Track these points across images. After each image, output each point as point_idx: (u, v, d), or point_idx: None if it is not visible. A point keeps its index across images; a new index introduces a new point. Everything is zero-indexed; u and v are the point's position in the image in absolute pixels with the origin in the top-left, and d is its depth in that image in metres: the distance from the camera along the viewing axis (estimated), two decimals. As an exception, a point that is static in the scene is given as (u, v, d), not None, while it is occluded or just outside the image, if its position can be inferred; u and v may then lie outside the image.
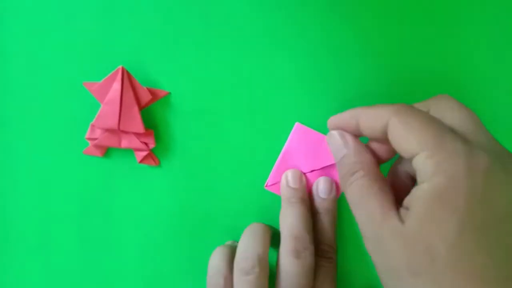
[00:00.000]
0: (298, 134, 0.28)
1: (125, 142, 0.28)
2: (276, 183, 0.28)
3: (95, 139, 0.28)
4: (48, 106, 0.29)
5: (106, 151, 0.29)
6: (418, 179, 0.20)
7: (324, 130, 0.28)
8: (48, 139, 0.29)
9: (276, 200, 0.29)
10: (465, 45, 0.28)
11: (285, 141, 0.28)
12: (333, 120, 0.25)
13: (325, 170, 0.28)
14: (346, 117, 0.24)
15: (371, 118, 0.22)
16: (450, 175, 0.18)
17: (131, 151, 0.29)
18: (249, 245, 0.25)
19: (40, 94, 0.29)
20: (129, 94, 0.27)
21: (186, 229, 0.29)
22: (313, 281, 0.26)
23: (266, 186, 0.29)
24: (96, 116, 0.27)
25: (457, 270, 0.18)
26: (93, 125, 0.28)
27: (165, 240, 0.30)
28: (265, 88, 0.29)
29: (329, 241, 0.27)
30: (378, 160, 0.24)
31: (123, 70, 0.27)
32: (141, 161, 0.29)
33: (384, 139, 0.22)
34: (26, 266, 0.30)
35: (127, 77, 0.27)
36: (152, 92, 0.28)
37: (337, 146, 0.24)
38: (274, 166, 0.28)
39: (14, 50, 0.29)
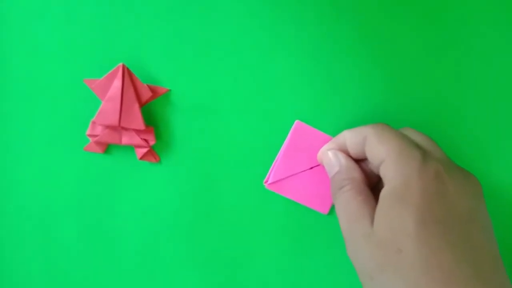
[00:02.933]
0: (297, 132, 0.28)
1: (125, 139, 0.28)
2: (277, 181, 0.28)
3: (96, 135, 0.29)
4: (49, 103, 0.29)
5: (106, 148, 0.29)
6: (384, 183, 0.22)
7: (324, 128, 0.28)
8: (49, 136, 0.29)
9: (275, 196, 0.29)
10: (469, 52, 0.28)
11: (285, 139, 0.28)
12: (326, 147, 0.27)
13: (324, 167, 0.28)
14: (339, 140, 0.26)
15: (354, 135, 0.25)
16: (406, 177, 0.21)
17: (131, 147, 0.29)
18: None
19: (41, 91, 0.29)
20: (129, 91, 0.27)
21: (186, 225, 0.30)
22: None
23: (265, 183, 0.29)
24: (97, 113, 0.27)
25: (422, 264, 0.19)
26: (94, 122, 0.28)
27: (165, 236, 0.30)
28: (265, 85, 0.29)
29: None
30: (369, 181, 0.25)
31: (123, 67, 0.27)
32: (141, 158, 0.29)
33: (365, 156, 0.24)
34: (26, 262, 0.30)
35: (127, 74, 0.27)
36: (152, 89, 0.28)
37: (330, 164, 0.26)
38: (273, 163, 0.28)
39: (15, 47, 0.29)
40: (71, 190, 0.30)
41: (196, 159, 0.29)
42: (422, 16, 0.28)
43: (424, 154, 0.22)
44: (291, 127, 0.28)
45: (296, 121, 0.28)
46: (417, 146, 0.23)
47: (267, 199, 0.29)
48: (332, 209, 0.29)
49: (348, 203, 0.23)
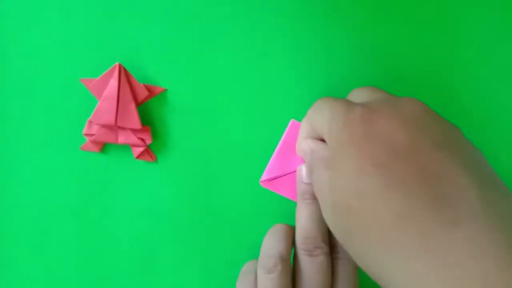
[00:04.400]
0: (293, 131, 0.28)
1: (122, 138, 0.29)
2: (272, 179, 0.29)
3: (93, 135, 0.29)
4: (45, 102, 0.29)
5: (103, 147, 0.30)
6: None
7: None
8: (46, 135, 0.30)
9: (272, 196, 0.29)
10: (454, 41, 0.29)
11: (280, 137, 0.28)
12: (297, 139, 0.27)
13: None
14: (303, 129, 0.26)
15: (306, 121, 0.25)
16: (336, 135, 0.21)
17: (128, 147, 0.29)
18: (271, 244, 0.26)
19: (37, 91, 0.29)
20: (126, 90, 0.27)
21: (183, 224, 0.30)
22: (332, 280, 0.26)
23: (261, 181, 0.29)
24: (93, 112, 0.27)
25: (373, 214, 0.18)
26: (90, 121, 0.28)
27: (162, 235, 0.30)
28: (261, 84, 0.29)
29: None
30: None
31: (120, 66, 0.27)
32: (138, 157, 0.29)
33: None
34: (23, 261, 0.30)
35: (124, 74, 0.27)
36: (148, 88, 0.28)
37: (303, 152, 0.26)
38: (269, 161, 0.29)
39: (11, 47, 0.29)
40: (67, 189, 0.30)
41: (192, 158, 0.29)
42: (414, 12, 0.28)
43: (348, 105, 0.21)
44: (286, 126, 0.28)
45: (292, 120, 0.28)
46: (345, 103, 0.22)
47: (264, 198, 0.29)
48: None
49: (318, 180, 0.23)
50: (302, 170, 0.27)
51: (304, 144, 0.26)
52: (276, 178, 0.28)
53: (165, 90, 0.29)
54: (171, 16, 0.29)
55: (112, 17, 0.29)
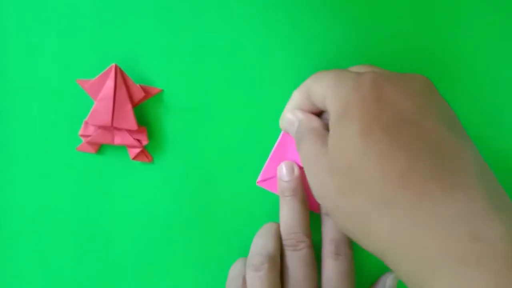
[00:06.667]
0: (289, 131, 0.28)
1: (118, 139, 0.29)
2: (268, 179, 0.29)
3: (89, 136, 0.29)
4: (41, 103, 0.29)
5: (99, 148, 0.30)
6: (330, 114, 0.22)
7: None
8: (42, 136, 0.29)
9: (269, 195, 0.29)
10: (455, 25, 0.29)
11: (277, 138, 0.29)
12: (283, 112, 0.27)
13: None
14: (293, 102, 0.26)
15: (301, 91, 0.25)
16: (343, 97, 0.21)
17: (124, 147, 0.29)
18: (260, 243, 0.27)
19: (34, 91, 0.29)
20: (122, 91, 0.27)
21: (180, 225, 0.30)
22: (331, 275, 0.26)
23: (258, 182, 0.29)
24: (89, 113, 0.27)
25: (375, 173, 0.19)
26: (86, 122, 0.28)
27: (159, 235, 0.30)
28: (258, 85, 0.29)
29: (341, 238, 0.27)
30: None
31: (116, 67, 0.27)
32: (134, 158, 0.29)
33: None
34: (19, 263, 0.30)
35: (120, 75, 0.27)
36: (145, 89, 0.28)
37: (290, 123, 0.26)
38: (266, 162, 0.29)
39: (7, 47, 0.29)
40: (63, 190, 0.30)
41: (189, 159, 0.29)
42: (421, 18, 0.29)
43: (358, 73, 0.22)
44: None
45: (288, 120, 0.28)
46: (352, 72, 0.23)
47: (260, 199, 0.29)
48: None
49: (309, 148, 0.23)
50: (282, 169, 0.28)
51: (290, 115, 0.26)
52: (272, 178, 0.29)
53: (161, 91, 0.29)
54: (167, 17, 0.29)
55: (108, 18, 0.29)
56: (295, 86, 0.29)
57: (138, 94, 0.28)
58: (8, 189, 0.30)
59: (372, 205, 0.19)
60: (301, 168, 0.28)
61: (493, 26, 0.29)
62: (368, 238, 0.20)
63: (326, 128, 0.24)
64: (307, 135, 0.23)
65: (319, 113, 0.26)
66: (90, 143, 0.29)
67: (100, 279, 0.30)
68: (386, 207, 0.18)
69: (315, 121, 0.25)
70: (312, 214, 0.29)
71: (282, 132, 0.28)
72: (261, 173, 0.29)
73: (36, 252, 0.30)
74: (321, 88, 0.23)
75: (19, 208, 0.30)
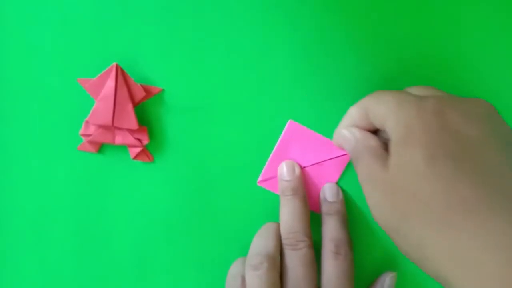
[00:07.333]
0: (291, 131, 0.28)
1: (119, 139, 0.28)
2: (268, 179, 0.29)
3: (89, 135, 0.29)
4: (42, 102, 0.29)
5: (100, 147, 0.30)
6: (391, 137, 0.22)
7: (317, 128, 0.28)
8: (43, 136, 0.29)
9: (270, 195, 0.29)
10: (459, 39, 0.29)
11: (278, 138, 0.29)
12: (338, 128, 0.27)
13: (316, 166, 0.28)
14: (348, 118, 0.26)
15: (358, 109, 0.25)
16: (406, 122, 0.21)
17: (125, 147, 0.29)
18: (259, 243, 0.27)
19: (34, 91, 0.29)
20: (123, 90, 0.27)
21: (180, 224, 0.30)
22: (331, 275, 0.27)
23: (259, 182, 0.29)
24: (90, 112, 0.27)
25: (439, 201, 0.19)
26: (87, 122, 0.28)
27: (159, 235, 0.30)
28: (259, 85, 0.29)
29: (341, 238, 0.27)
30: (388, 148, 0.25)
31: (117, 67, 0.27)
32: (135, 157, 0.29)
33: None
34: (20, 262, 0.30)
35: (121, 74, 0.27)
36: (146, 89, 0.28)
37: (346, 141, 0.26)
38: (267, 162, 0.29)
39: (8, 47, 0.29)
40: (64, 189, 0.30)
41: (189, 158, 0.29)
42: (416, 12, 0.28)
43: (420, 97, 0.22)
44: (284, 127, 0.28)
45: (289, 120, 0.28)
46: (412, 94, 0.23)
47: (260, 199, 0.29)
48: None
49: (368, 168, 0.23)
50: (283, 168, 0.28)
51: (347, 132, 0.26)
52: (273, 177, 0.29)
53: (162, 90, 0.29)
54: (168, 16, 0.29)
55: (109, 18, 0.29)
56: (295, 86, 0.29)
57: (139, 94, 0.28)
58: (8, 188, 0.30)
59: (434, 230, 0.19)
60: (301, 168, 0.28)
61: (495, 28, 0.29)
62: (427, 260, 0.20)
63: (384, 147, 0.24)
64: (366, 154, 0.24)
65: (375, 131, 0.26)
66: (91, 143, 0.29)
67: (100, 278, 0.30)
68: (448, 232, 0.19)
69: (373, 140, 0.24)
70: (312, 214, 0.29)
71: (283, 132, 0.28)
72: (262, 173, 0.29)
73: (36, 251, 0.30)
74: (382, 110, 0.23)
75: (19, 207, 0.30)
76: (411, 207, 0.20)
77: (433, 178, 0.20)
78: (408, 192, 0.20)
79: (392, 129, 0.22)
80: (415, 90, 0.24)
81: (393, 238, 0.22)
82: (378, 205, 0.22)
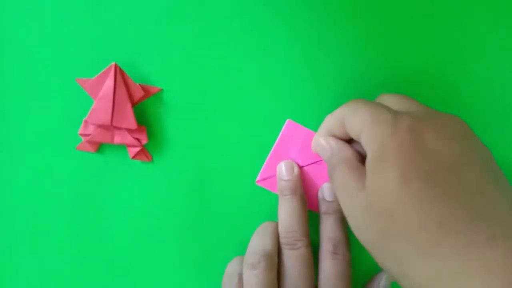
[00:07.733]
0: (289, 131, 0.28)
1: (118, 138, 0.29)
2: (267, 178, 0.29)
3: (88, 135, 0.29)
4: (41, 102, 0.29)
5: (99, 147, 0.30)
6: (366, 153, 0.22)
7: (316, 127, 0.28)
8: (42, 135, 0.29)
9: (268, 195, 0.29)
10: (457, 43, 0.29)
11: (276, 138, 0.29)
12: (316, 135, 0.27)
13: (314, 165, 0.28)
14: (325, 126, 0.26)
15: (334, 118, 0.25)
16: (381, 140, 0.21)
17: (124, 147, 0.29)
18: (257, 242, 0.27)
19: (33, 90, 0.29)
20: (122, 90, 0.27)
21: (179, 224, 0.30)
22: (328, 275, 0.27)
23: (257, 181, 0.29)
24: (89, 112, 0.27)
25: (415, 222, 0.19)
26: (86, 121, 0.29)
27: (158, 235, 0.30)
28: (257, 84, 0.29)
29: (339, 238, 0.27)
30: (363, 158, 0.25)
31: (116, 66, 0.27)
32: (133, 157, 0.29)
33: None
34: (19, 261, 0.30)
35: (120, 74, 0.27)
36: (144, 88, 0.28)
37: (323, 150, 0.26)
38: (265, 161, 0.29)
39: (7, 47, 0.29)
40: (63, 189, 0.30)
41: (188, 158, 0.29)
42: (414, 14, 0.29)
43: (395, 114, 0.22)
44: (282, 126, 0.29)
45: (288, 120, 0.28)
46: (388, 109, 0.23)
47: (259, 198, 0.29)
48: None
49: (344, 181, 0.23)
50: (282, 168, 0.28)
51: (323, 142, 0.26)
52: (272, 177, 0.29)
53: (161, 90, 0.29)
54: (167, 16, 0.29)
55: (108, 17, 0.29)
56: (295, 86, 0.29)
57: (138, 93, 0.28)
58: (7, 188, 0.30)
59: (410, 251, 0.19)
60: (300, 167, 0.28)
61: (497, 30, 0.29)
62: (406, 279, 0.20)
63: (359, 157, 0.24)
64: (341, 165, 0.24)
65: (351, 139, 0.26)
66: (90, 142, 0.29)
67: (99, 278, 0.30)
68: (424, 254, 0.19)
69: (348, 151, 0.25)
70: (310, 213, 0.29)
71: (281, 132, 0.28)
72: (260, 172, 0.29)
73: (34, 250, 0.30)
74: (357, 122, 0.23)
75: (18, 206, 0.30)
76: (387, 225, 0.20)
77: (407, 199, 0.19)
78: (384, 211, 0.20)
79: (367, 145, 0.22)
80: (390, 101, 0.24)
81: (373, 255, 0.22)
82: (356, 219, 0.22)
